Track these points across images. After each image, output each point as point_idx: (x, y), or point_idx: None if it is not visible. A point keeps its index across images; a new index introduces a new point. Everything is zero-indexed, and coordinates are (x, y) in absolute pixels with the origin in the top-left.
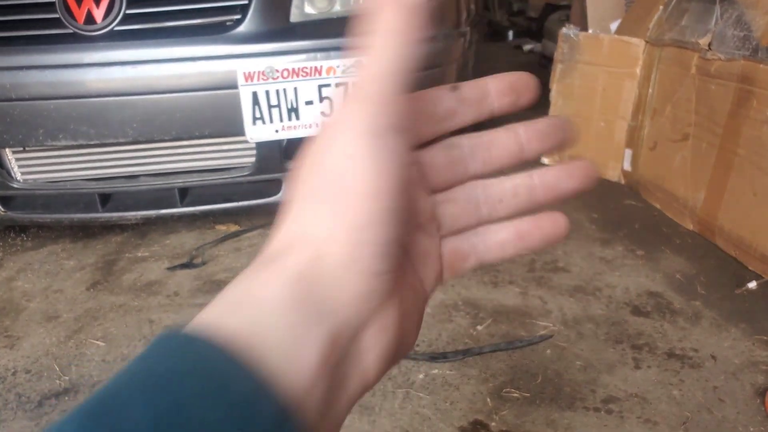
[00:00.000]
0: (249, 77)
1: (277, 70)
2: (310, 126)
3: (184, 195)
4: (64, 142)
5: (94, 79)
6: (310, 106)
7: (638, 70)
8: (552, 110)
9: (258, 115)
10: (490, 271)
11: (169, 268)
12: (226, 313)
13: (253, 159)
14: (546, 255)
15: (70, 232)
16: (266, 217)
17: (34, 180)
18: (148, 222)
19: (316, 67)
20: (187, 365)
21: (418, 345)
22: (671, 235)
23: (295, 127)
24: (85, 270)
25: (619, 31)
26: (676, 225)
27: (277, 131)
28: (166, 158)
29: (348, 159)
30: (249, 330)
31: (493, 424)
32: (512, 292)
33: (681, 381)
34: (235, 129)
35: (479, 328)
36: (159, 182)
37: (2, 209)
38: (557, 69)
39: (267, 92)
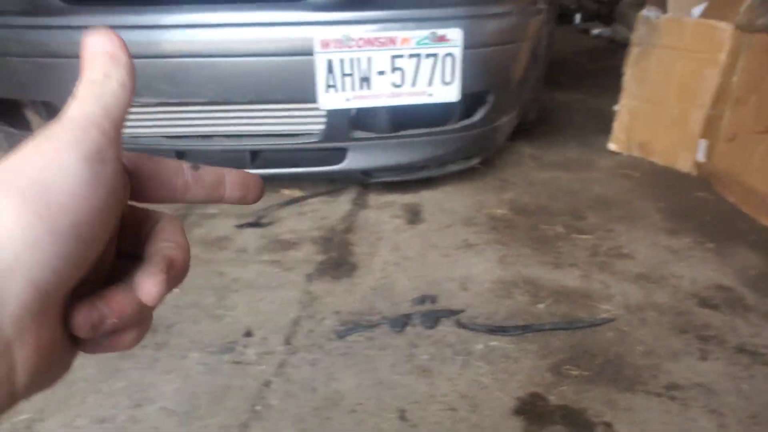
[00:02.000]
0: (325, 45)
1: (353, 39)
2: (380, 96)
3: (254, 157)
4: (146, 99)
5: (178, 40)
6: (382, 76)
7: (723, 57)
8: (624, 95)
9: (331, 82)
10: (551, 252)
11: (237, 226)
12: None
13: (322, 126)
14: (609, 241)
15: None
16: (328, 184)
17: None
18: None
19: (390, 38)
20: None
21: (476, 317)
22: (747, 231)
23: (365, 97)
24: None
25: (704, 15)
26: (753, 220)
27: (348, 100)
28: (239, 120)
29: (63, 170)
30: None
31: (552, 397)
32: (573, 274)
33: (751, 376)
34: (308, 96)
35: (539, 306)
36: (232, 143)
37: None
38: (633, 52)
39: (341, 60)
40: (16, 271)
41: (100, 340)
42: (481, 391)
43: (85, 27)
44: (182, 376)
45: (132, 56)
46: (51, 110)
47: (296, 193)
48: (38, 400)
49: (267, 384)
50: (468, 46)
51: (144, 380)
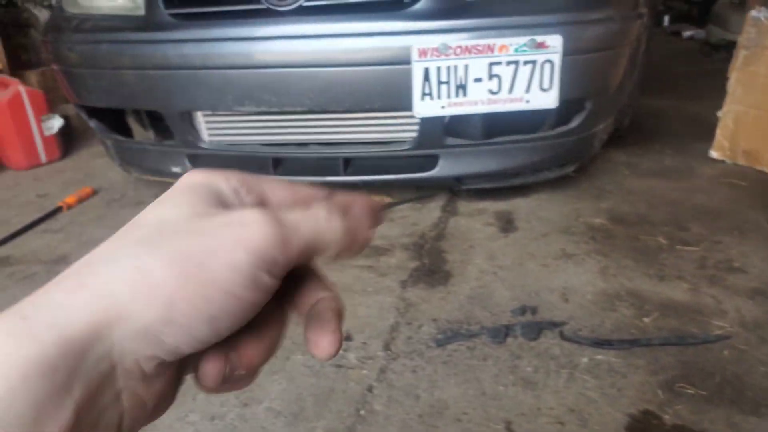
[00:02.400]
0: (423, 53)
1: (450, 47)
2: (476, 103)
3: (347, 165)
4: (248, 108)
5: (279, 51)
6: (478, 83)
7: None
8: (729, 100)
9: (427, 90)
10: (655, 263)
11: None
12: None
13: (414, 134)
14: (718, 253)
15: None
16: (416, 191)
17: (218, 141)
18: None
19: (488, 45)
20: None
21: (580, 329)
22: None
23: (461, 104)
24: None
25: None
26: None
27: (443, 107)
28: (334, 129)
29: (230, 268)
30: None
31: (666, 416)
32: (681, 287)
33: None
34: (403, 104)
35: (645, 320)
36: (326, 151)
37: (189, 165)
38: (740, 55)
39: (438, 68)
40: (146, 334)
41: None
42: (589, 405)
43: (193, 40)
44: (287, 377)
45: (235, 67)
46: (155, 119)
47: (385, 199)
48: None
49: (370, 389)
50: (567, 52)
51: None
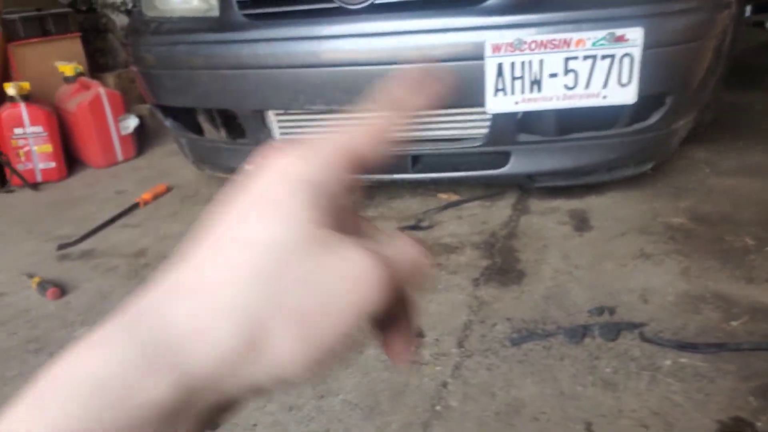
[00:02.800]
0: (496, 49)
1: (525, 42)
2: (551, 99)
3: (415, 162)
4: (319, 107)
5: (351, 49)
6: (553, 78)
7: None
8: None
9: (500, 86)
10: (742, 265)
11: (398, 228)
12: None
13: (485, 130)
14: None
15: None
16: (485, 189)
17: (288, 139)
18: (373, 186)
19: (565, 39)
20: None
21: (661, 331)
22: None
23: (535, 100)
24: None
25: None
26: None
27: (516, 103)
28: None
29: (340, 332)
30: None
31: (759, 424)
32: None
33: None
34: (475, 100)
35: (734, 323)
36: (395, 148)
37: None
38: None
39: (512, 64)
40: (252, 389)
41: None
42: (674, 409)
43: (266, 40)
44: (361, 371)
45: (308, 66)
46: (227, 118)
47: (453, 197)
48: None
49: (444, 385)
50: (648, 45)
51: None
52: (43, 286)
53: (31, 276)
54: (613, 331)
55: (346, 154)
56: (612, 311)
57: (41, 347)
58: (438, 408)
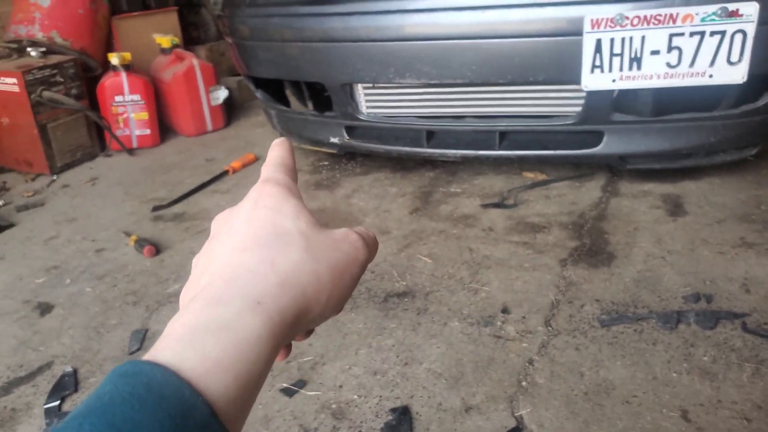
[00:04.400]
0: (596, 24)
1: (627, 17)
2: (651, 77)
3: (502, 139)
4: (409, 81)
5: (443, 23)
6: (655, 56)
7: None
8: None
9: (597, 63)
10: None
11: (482, 205)
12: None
13: (579, 108)
14: None
15: (389, 163)
16: (574, 169)
17: (375, 113)
18: (455, 163)
19: (671, 14)
20: (127, 387)
21: (766, 323)
22: None
23: (633, 78)
24: (406, 197)
25: None
26: None
27: (614, 81)
28: (492, 101)
29: (352, 278)
30: (238, 370)
31: None
32: None
33: None
34: (569, 77)
35: None
36: (482, 124)
37: (347, 137)
38: None
39: (612, 40)
40: (314, 320)
41: None
42: None
43: (358, 13)
44: (445, 342)
45: (398, 39)
46: (315, 91)
47: (539, 176)
48: (318, 346)
49: (531, 362)
50: (763, 21)
51: (409, 341)
52: (140, 243)
53: (128, 234)
54: (711, 319)
55: (287, 168)
56: (709, 299)
57: (138, 300)
58: (524, 384)
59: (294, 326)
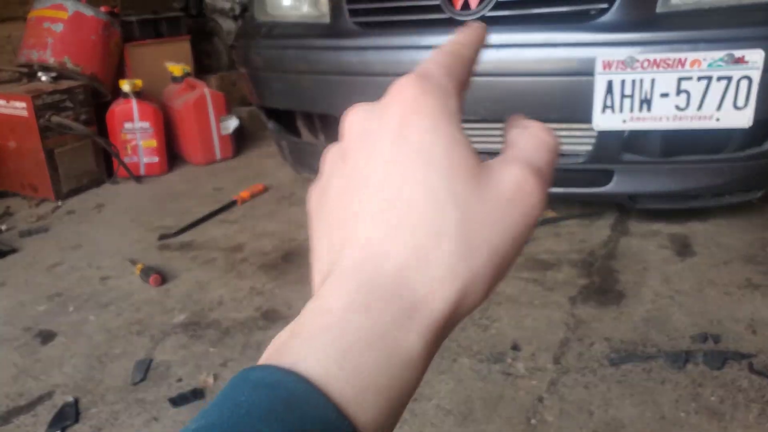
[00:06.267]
0: (607, 65)
1: (638, 60)
2: (661, 119)
3: None
4: None
5: None
6: (664, 98)
7: None
8: None
9: (609, 103)
10: None
11: None
12: (304, 339)
13: (589, 147)
14: None
15: None
16: (583, 207)
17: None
18: None
19: (679, 59)
20: (263, 399)
21: None
22: None
23: (643, 119)
24: None
25: None
26: None
27: (624, 121)
28: (502, 139)
29: (515, 244)
30: (390, 393)
31: None
32: None
33: None
34: (581, 116)
35: None
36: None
37: None
38: None
39: (623, 81)
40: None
41: None
42: None
43: (375, 48)
44: (455, 378)
45: None
46: (326, 123)
47: (549, 213)
48: None
49: (540, 399)
50: None
51: None
52: (145, 272)
53: (134, 262)
54: (719, 359)
55: (457, 60)
56: (717, 339)
57: (143, 329)
58: (533, 422)
59: (447, 329)
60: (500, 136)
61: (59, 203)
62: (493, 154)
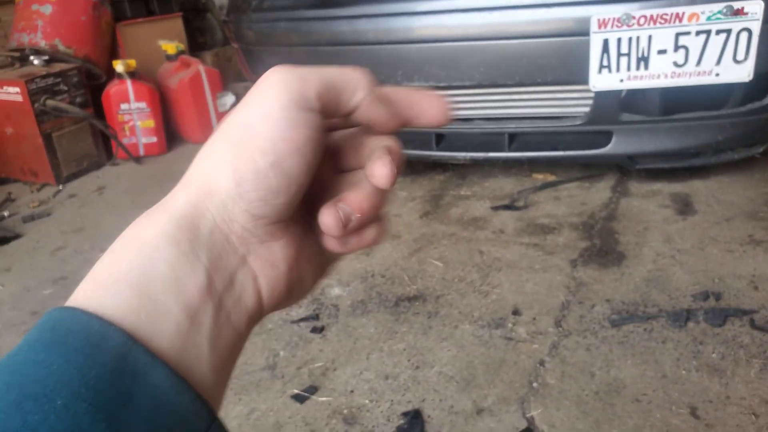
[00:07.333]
0: (603, 24)
1: (634, 17)
2: (659, 77)
3: (512, 141)
4: (417, 84)
5: (451, 24)
6: (662, 55)
7: None
8: None
9: (605, 63)
10: None
11: (492, 208)
12: (114, 261)
13: (587, 109)
14: None
15: None
16: (582, 169)
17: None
18: (465, 165)
19: (677, 14)
20: (34, 335)
21: None
22: None
23: (641, 77)
24: (416, 201)
25: None
26: None
27: (621, 81)
28: (501, 103)
29: (265, 118)
30: (133, 277)
31: None
32: None
33: None
34: (577, 77)
35: None
36: (491, 126)
37: None
38: None
39: (619, 39)
40: (230, 200)
41: (347, 240)
42: None
43: (366, 16)
44: (456, 345)
45: (407, 42)
46: None
47: (548, 177)
48: (329, 352)
49: (542, 363)
50: None
51: (420, 344)
52: None
53: None
54: (720, 316)
55: (327, 82)
56: (718, 297)
57: None
58: (535, 385)
59: (200, 223)
60: (497, 101)
61: (60, 187)
62: (492, 119)
